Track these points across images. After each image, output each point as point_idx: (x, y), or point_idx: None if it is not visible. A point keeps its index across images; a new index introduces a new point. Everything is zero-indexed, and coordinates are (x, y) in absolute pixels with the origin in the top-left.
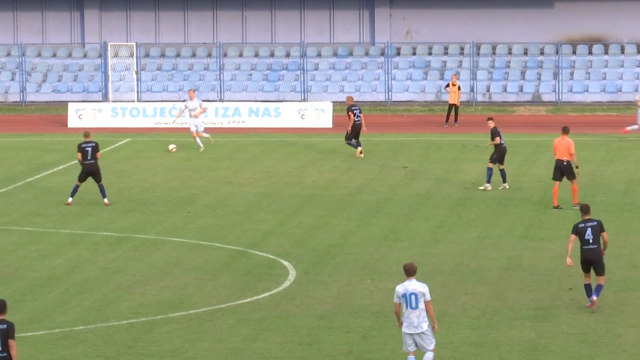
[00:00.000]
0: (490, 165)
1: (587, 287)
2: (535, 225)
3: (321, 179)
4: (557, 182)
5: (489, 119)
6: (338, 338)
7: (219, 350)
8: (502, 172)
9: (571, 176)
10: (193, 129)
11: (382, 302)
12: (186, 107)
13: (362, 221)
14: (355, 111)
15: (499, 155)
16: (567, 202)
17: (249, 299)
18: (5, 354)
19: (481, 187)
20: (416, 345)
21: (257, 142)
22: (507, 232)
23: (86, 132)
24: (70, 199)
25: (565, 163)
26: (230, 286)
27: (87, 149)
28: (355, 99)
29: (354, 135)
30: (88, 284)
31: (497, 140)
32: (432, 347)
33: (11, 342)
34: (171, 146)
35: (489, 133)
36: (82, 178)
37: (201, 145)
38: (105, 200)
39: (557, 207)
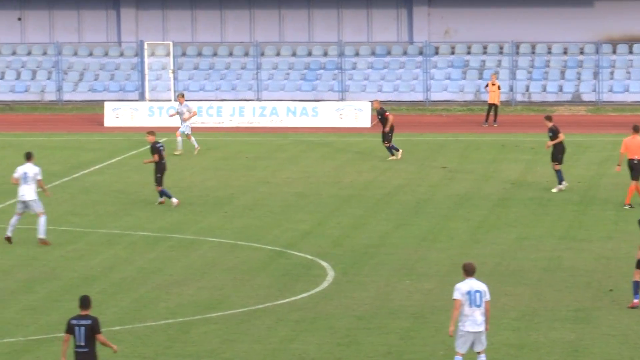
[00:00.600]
0: (558, 167)
1: (636, 285)
2: (576, 226)
3: (359, 179)
4: (636, 182)
5: (547, 117)
6: (376, 339)
7: (257, 351)
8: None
9: (638, 176)
10: (182, 129)
11: (421, 303)
12: (177, 111)
13: (400, 221)
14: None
15: (561, 153)
16: (616, 201)
17: (287, 300)
18: (87, 349)
19: (554, 189)
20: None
21: (295, 142)
22: (547, 233)
23: (152, 131)
24: (175, 200)
25: (636, 162)
26: (268, 287)
27: (161, 148)
28: (393, 99)
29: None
30: (125, 284)
31: (562, 136)
32: (485, 346)
33: (99, 336)
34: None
35: (547, 133)
36: (162, 180)
37: (196, 145)
38: (174, 199)
39: (629, 206)
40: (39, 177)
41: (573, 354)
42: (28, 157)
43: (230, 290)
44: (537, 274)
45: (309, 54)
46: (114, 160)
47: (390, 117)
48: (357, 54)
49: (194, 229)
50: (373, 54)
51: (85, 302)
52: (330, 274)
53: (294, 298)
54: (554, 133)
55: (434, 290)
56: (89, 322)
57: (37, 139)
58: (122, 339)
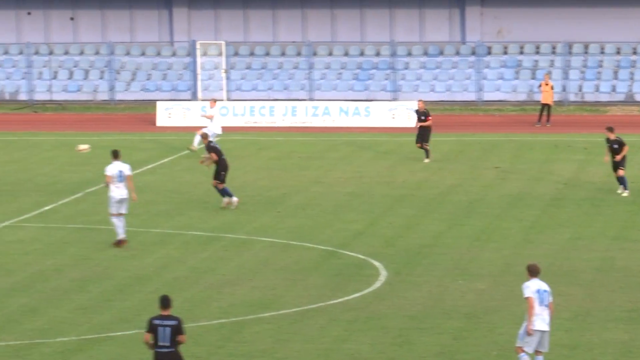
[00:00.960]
0: (622, 172)
1: None
2: (629, 226)
3: (412, 179)
4: None
5: (609, 129)
6: (429, 339)
7: (309, 351)
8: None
9: None
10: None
11: (474, 303)
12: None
13: (453, 221)
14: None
15: (625, 159)
16: None
17: (339, 300)
18: (172, 349)
19: (625, 194)
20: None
21: (347, 142)
22: (600, 233)
23: (205, 134)
24: (229, 199)
25: None
26: (321, 286)
27: (218, 147)
28: (446, 99)
29: None
30: (178, 284)
31: (627, 148)
32: (548, 349)
33: (181, 337)
34: (82, 146)
35: (606, 142)
36: (225, 178)
37: (195, 146)
38: (234, 198)
39: None
40: (130, 174)
41: (626, 355)
42: (117, 154)
43: (283, 290)
44: (590, 275)
45: (362, 53)
46: (166, 160)
47: (431, 121)
48: (409, 54)
49: (246, 229)
50: (425, 53)
51: (167, 302)
52: (383, 274)
53: (346, 298)
54: (619, 145)
55: (487, 290)
56: (175, 322)
57: (89, 139)
58: None
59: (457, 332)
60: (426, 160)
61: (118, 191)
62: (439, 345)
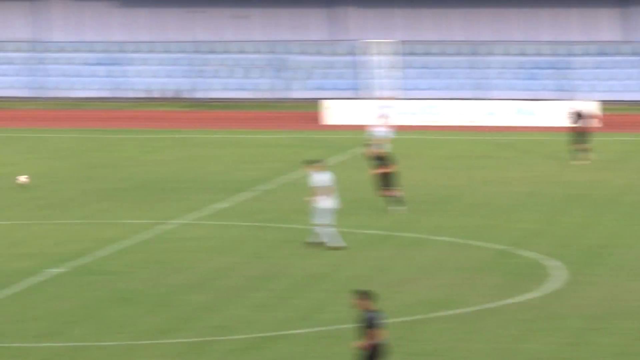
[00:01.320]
0: None
1: None
2: None
3: (584, 179)
4: None
5: None
6: (608, 340)
7: (488, 351)
8: None
9: None
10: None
11: None
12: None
13: (629, 221)
14: None
15: None
16: None
17: (515, 299)
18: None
19: None
20: None
21: (519, 141)
22: None
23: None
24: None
25: None
26: (497, 286)
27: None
28: (620, 98)
29: None
30: (353, 283)
31: None
32: None
33: None
34: (21, 178)
35: None
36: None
37: None
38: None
39: None
40: (332, 184)
41: None
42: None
43: (459, 289)
44: None
45: (536, 53)
46: (335, 158)
47: (591, 122)
48: (583, 54)
49: (419, 228)
50: (600, 53)
51: (372, 294)
52: (560, 274)
53: (522, 298)
54: None
55: None
56: (381, 314)
57: (257, 137)
58: (350, 337)
59: (637, 332)
60: (587, 160)
61: (325, 202)
62: (618, 346)
